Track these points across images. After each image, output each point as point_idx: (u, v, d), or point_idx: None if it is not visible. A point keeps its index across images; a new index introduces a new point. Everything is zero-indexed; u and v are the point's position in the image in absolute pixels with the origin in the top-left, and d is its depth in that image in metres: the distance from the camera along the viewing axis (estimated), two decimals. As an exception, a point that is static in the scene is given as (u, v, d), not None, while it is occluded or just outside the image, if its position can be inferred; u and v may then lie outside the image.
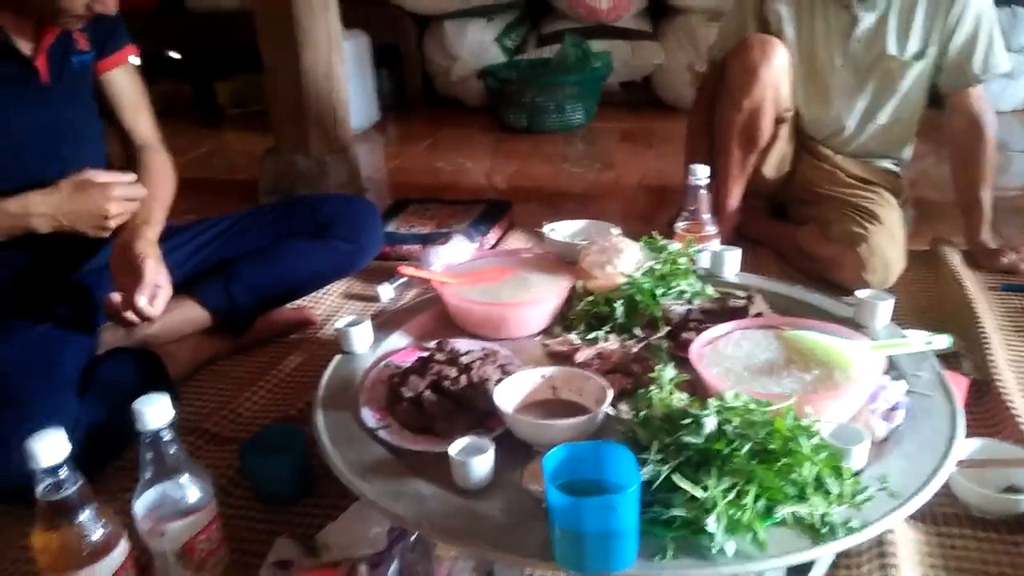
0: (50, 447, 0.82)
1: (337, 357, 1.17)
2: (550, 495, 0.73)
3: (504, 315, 1.22)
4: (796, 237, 1.87)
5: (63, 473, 0.84)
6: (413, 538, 0.98)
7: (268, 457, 1.17)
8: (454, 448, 0.90)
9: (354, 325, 1.19)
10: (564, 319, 1.25)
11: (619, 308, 1.18)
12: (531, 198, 2.50)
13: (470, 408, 1.01)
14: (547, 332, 1.24)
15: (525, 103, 3.26)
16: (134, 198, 1.34)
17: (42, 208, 1.26)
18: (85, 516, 0.86)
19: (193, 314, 1.51)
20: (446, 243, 1.91)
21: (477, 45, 3.55)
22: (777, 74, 1.78)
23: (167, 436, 0.91)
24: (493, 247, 2.08)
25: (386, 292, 1.83)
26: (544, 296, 1.25)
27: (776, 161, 1.93)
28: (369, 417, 1.01)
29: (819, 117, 1.88)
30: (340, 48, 2.46)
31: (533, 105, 3.25)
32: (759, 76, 1.77)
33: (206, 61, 3.99)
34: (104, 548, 0.87)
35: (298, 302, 1.75)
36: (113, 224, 1.32)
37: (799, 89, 1.86)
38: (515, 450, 0.94)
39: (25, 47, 1.31)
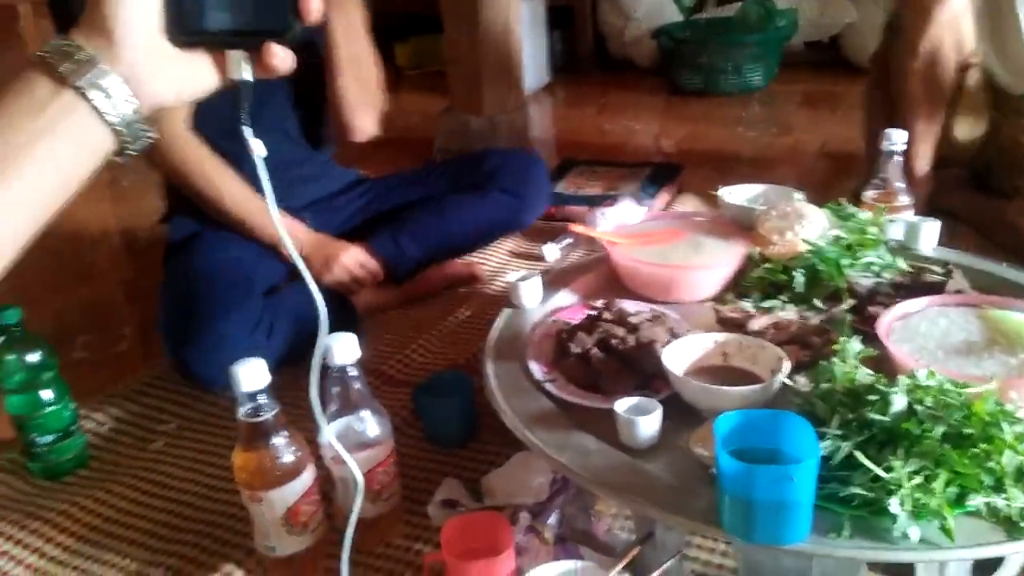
0: (252, 374, 0.90)
1: (506, 310, 1.20)
2: (721, 460, 0.72)
3: (675, 277, 1.20)
4: (1005, 210, 1.70)
5: (261, 399, 0.92)
6: (574, 491, 1.00)
7: (438, 400, 1.23)
8: (621, 406, 0.90)
9: (525, 280, 1.21)
10: (737, 286, 1.21)
11: (799, 277, 1.13)
12: (702, 162, 2.43)
13: (636, 368, 1.00)
14: (718, 299, 1.21)
15: (701, 64, 3.15)
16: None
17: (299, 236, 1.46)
18: (278, 440, 0.93)
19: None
20: (613, 205, 1.90)
21: (653, 4, 3.47)
22: (954, 13, 1.64)
23: (353, 372, 0.98)
24: (663, 210, 2.04)
25: (551, 252, 1.85)
26: (717, 260, 1.21)
27: (968, 121, 1.76)
28: (536, 370, 1.04)
29: (1010, 67, 1.69)
30: (518, 9, 2.48)
31: (709, 66, 3.13)
32: (933, 16, 1.64)
33: (386, 24, 4.13)
34: (294, 471, 0.95)
35: (467, 259, 1.80)
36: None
37: (984, 37, 1.68)
38: (681, 414, 0.93)
39: None
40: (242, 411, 0.92)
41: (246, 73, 0.53)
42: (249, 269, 1.42)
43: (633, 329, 1.05)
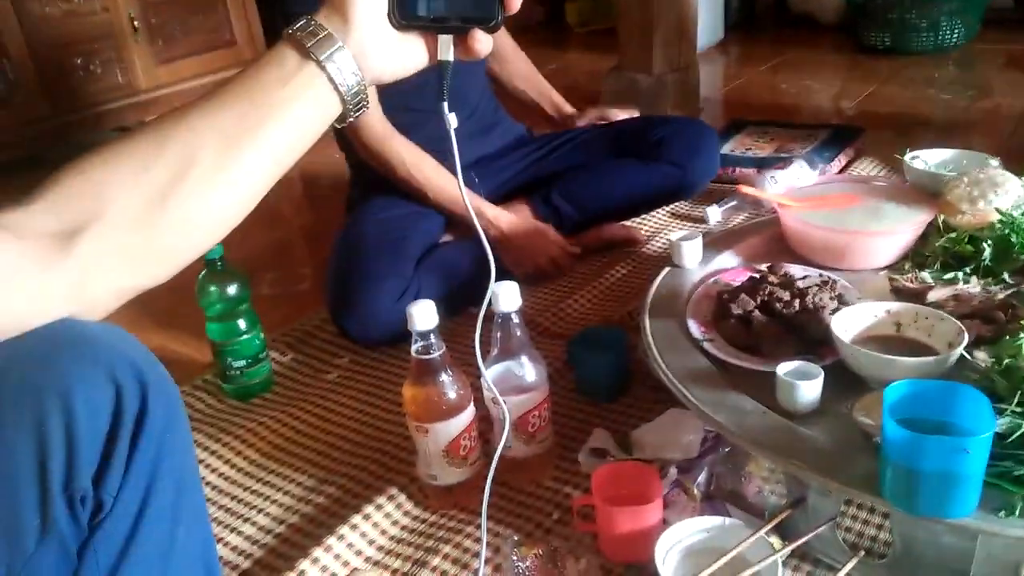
0: (424, 314, 0.96)
1: (666, 269, 1.20)
2: (887, 427, 0.70)
3: (850, 243, 1.15)
4: None
5: (432, 338, 0.98)
6: (725, 450, 1.00)
7: (592, 354, 1.25)
8: (782, 368, 0.89)
9: (687, 240, 1.20)
10: (916, 255, 1.15)
11: (987, 249, 1.05)
12: (885, 126, 2.27)
13: (801, 334, 0.98)
14: (894, 267, 1.15)
15: (891, 20, 2.93)
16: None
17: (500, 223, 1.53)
18: (445, 378, 1.00)
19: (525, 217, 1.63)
20: (784, 168, 1.83)
21: (842, -43, 3.25)
22: None
23: (515, 320, 1.02)
24: (838, 174, 1.94)
25: (714, 214, 1.81)
26: (897, 227, 1.15)
27: None
28: (695, 329, 1.04)
29: None
30: (694, -34, 2.41)
31: (901, 22, 2.91)
32: None
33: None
34: (457, 407, 1.00)
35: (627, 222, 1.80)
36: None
37: None
38: (845, 383, 0.90)
39: None
40: (415, 348, 0.98)
41: (451, 55, 0.60)
42: (409, 228, 1.49)
43: (800, 294, 1.03)
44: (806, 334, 0.98)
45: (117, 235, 0.53)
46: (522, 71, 1.87)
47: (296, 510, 1.08)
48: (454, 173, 0.65)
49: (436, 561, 0.97)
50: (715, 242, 1.28)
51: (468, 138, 1.67)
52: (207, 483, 1.15)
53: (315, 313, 1.57)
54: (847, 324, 0.94)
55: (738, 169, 2.01)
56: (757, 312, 1.01)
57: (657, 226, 1.83)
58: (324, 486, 1.12)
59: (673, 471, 1.00)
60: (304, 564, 0.96)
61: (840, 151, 2.00)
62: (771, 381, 0.90)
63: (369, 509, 1.04)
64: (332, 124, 0.61)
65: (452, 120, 0.63)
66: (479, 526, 0.92)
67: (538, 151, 1.75)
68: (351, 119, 0.61)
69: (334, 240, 1.50)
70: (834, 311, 1.00)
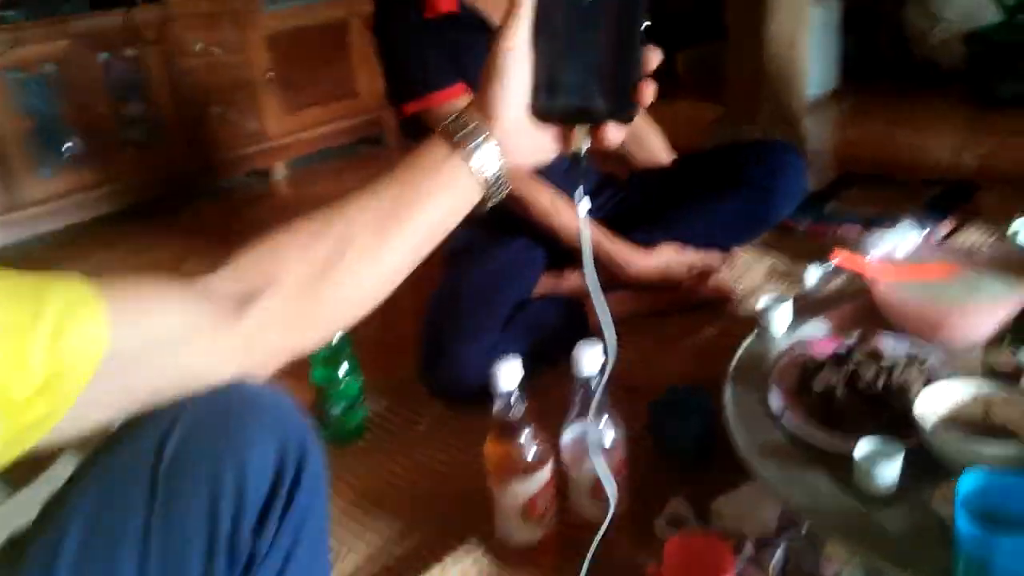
0: (509, 374, 1.00)
1: (753, 333, 1.20)
2: (960, 520, 0.69)
3: (943, 317, 1.12)
4: None
5: (514, 398, 1.02)
6: (804, 529, 0.99)
7: (675, 417, 1.25)
8: (860, 449, 0.88)
9: (775, 305, 1.20)
10: (1016, 332, 1.10)
11: (1096, 331, 1.00)
12: (1005, 182, 2.17)
13: (884, 412, 0.96)
14: (992, 344, 1.10)
15: (1020, 71, 2.79)
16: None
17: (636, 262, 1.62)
18: (525, 436, 1.03)
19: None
20: (891, 228, 1.78)
21: (968, 4, 3.13)
22: None
23: (595, 382, 1.04)
24: (946, 238, 1.87)
25: (812, 275, 1.78)
26: (995, 302, 1.11)
27: None
28: (776, 400, 1.03)
29: None
30: (807, 17, 2.39)
31: (1030, 72, 2.77)
32: None
33: (672, 31, 4.15)
34: (536, 466, 1.04)
35: (721, 276, 1.79)
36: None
37: None
38: (927, 467, 0.88)
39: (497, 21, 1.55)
40: (497, 406, 1.03)
41: (586, 144, 0.65)
42: (501, 284, 1.54)
43: (886, 371, 1.01)
44: (890, 413, 0.96)
45: (284, 302, 0.59)
46: (658, 159, 1.89)
47: (376, 559, 1.13)
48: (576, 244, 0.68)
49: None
50: (806, 308, 1.27)
51: (571, 181, 1.71)
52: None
53: (411, 361, 1.64)
54: (932, 404, 0.92)
55: (842, 228, 1.97)
56: (840, 388, 1.00)
57: (753, 284, 1.81)
58: (404, 539, 1.17)
59: (749, 547, 0.99)
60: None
61: (951, 210, 1.93)
62: (850, 460, 0.89)
63: (447, 561, 1.08)
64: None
65: (585, 204, 0.67)
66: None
67: (622, 190, 1.79)
68: (492, 203, 0.66)
69: (430, 295, 1.57)
70: (922, 390, 0.97)
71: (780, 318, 1.19)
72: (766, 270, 1.87)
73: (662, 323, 1.69)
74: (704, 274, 1.72)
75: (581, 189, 0.66)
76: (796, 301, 1.24)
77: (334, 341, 1.37)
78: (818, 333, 1.21)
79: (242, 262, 0.60)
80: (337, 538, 1.18)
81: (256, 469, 0.58)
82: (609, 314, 0.68)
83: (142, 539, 0.56)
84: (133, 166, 2.74)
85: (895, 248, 1.70)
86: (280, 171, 3.20)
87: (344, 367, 1.39)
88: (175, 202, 2.90)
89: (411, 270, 0.66)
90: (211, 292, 0.58)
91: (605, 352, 0.73)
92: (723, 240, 1.75)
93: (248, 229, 0.62)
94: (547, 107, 0.63)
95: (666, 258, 1.66)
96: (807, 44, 2.41)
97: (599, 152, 0.65)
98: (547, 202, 1.57)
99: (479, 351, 1.39)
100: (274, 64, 3.02)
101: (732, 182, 1.67)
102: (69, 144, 2.59)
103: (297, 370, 1.47)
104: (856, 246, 1.75)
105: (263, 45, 2.97)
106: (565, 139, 0.66)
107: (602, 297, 0.68)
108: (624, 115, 0.62)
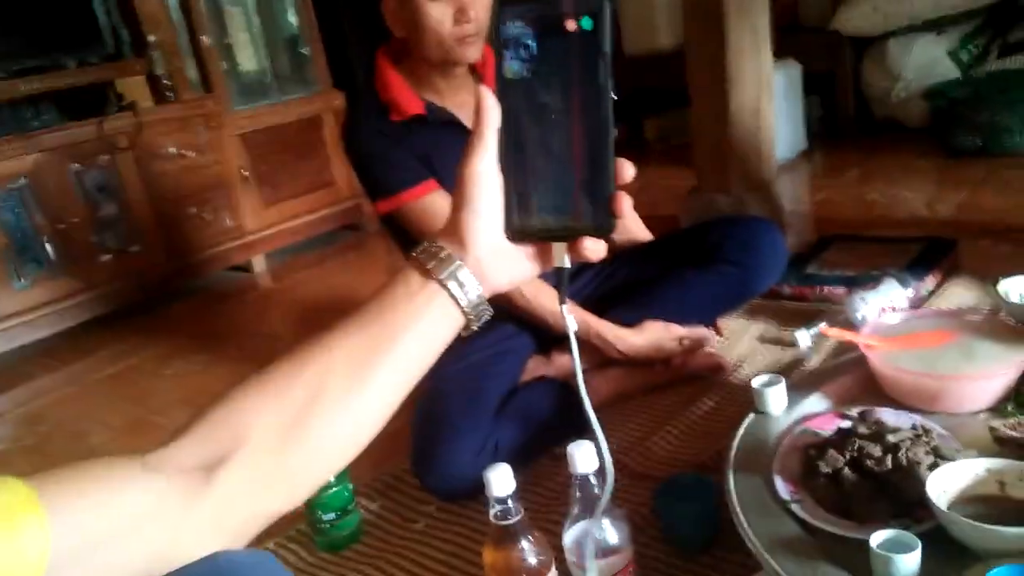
0: (501, 480, 0.97)
1: (750, 416, 1.17)
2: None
3: (942, 388, 1.10)
4: None
5: (510, 503, 0.98)
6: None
7: (679, 504, 1.22)
8: (876, 539, 0.84)
9: (769, 386, 1.18)
10: (1019, 397, 1.08)
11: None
12: (982, 234, 2.19)
13: (895, 494, 0.93)
14: (995, 410, 1.09)
15: (980, 123, 2.87)
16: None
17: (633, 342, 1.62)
18: (525, 543, 0.99)
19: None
20: (875, 288, 1.78)
21: (925, 62, 3.23)
22: None
23: (594, 480, 1.01)
24: (930, 294, 1.87)
25: (804, 339, 1.76)
26: (993, 368, 1.09)
27: None
28: (782, 488, 1.00)
29: None
30: (771, 86, 2.44)
31: (992, 125, 2.84)
32: None
33: (639, 100, 4.25)
34: (538, 573, 0.99)
35: (711, 348, 1.78)
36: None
37: None
38: (948, 549, 0.84)
39: (465, 117, 1.56)
40: (492, 512, 0.99)
41: (566, 261, 0.62)
42: (488, 375, 1.51)
43: (892, 448, 0.98)
44: (901, 495, 0.93)
45: (256, 461, 0.55)
46: (637, 238, 1.89)
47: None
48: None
49: None
50: (803, 383, 1.25)
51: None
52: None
53: (404, 457, 1.59)
54: (944, 484, 0.89)
55: (826, 289, 1.97)
56: (847, 470, 0.97)
57: (744, 352, 1.80)
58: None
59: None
60: None
61: (933, 266, 1.93)
62: (866, 547, 0.85)
63: None
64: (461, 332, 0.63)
65: (572, 323, 0.64)
66: None
67: (607, 267, 1.79)
68: (474, 328, 0.64)
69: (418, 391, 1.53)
70: (931, 466, 0.95)
71: (775, 399, 1.17)
72: (756, 337, 1.85)
73: (658, 399, 1.66)
74: (694, 347, 1.70)
75: (565, 308, 0.64)
76: (789, 375, 1.22)
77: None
78: (817, 409, 1.18)
79: (203, 425, 0.56)
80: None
81: None
82: (603, 435, 0.64)
83: None
84: (111, 271, 2.72)
85: (881, 308, 1.71)
86: (260, 264, 3.19)
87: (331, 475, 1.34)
88: (155, 304, 2.87)
89: (395, 409, 0.62)
90: (170, 465, 0.54)
91: (601, 466, 0.69)
92: (707, 315, 1.75)
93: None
94: (521, 228, 0.61)
95: (655, 335, 1.64)
96: (772, 110, 2.45)
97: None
98: (529, 291, 1.55)
99: (470, 448, 1.36)
100: (248, 161, 3.05)
101: (711, 261, 1.68)
102: (44, 255, 2.57)
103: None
104: (843, 306, 1.75)
105: (236, 144, 3.00)
106: (543, 256, 0.63)
107: (595, 417, 0.64)
108: (602, 229, 0.60)
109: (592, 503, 1.01)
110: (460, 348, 1.54)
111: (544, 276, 0.65)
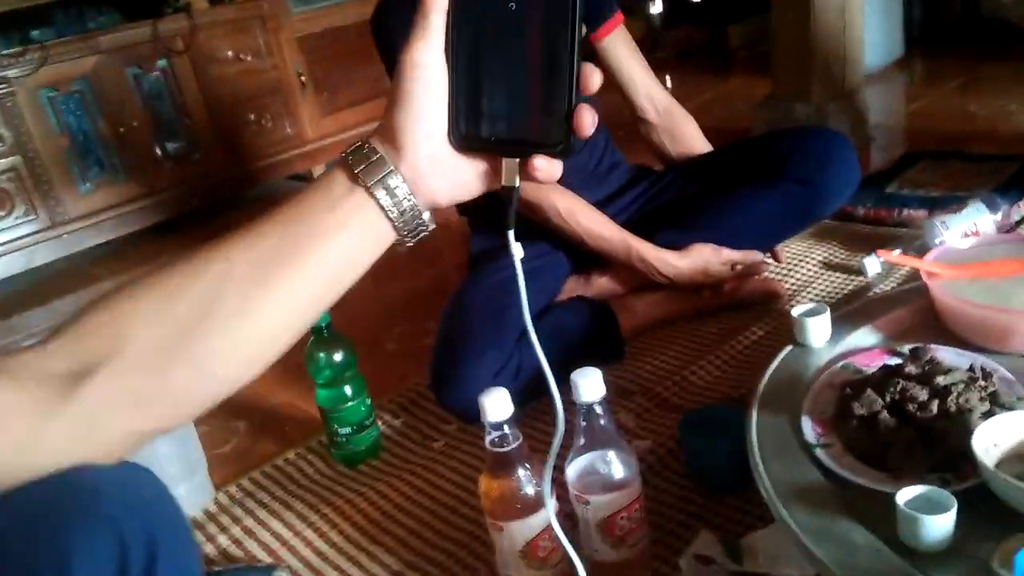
0: (497, 404, 0.90)
1: (787, 349, 1.06)
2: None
3: (1012, 325, 0.95)
4: None
5: (506, 429, 0.91)
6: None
7: (705, 437, 1.13)
8: (904, 496, 0.74)
9: (812, 315, 1.05)
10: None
11: None
12: (1097, 154, 1.94)
13: (938, 444, 0.82)
14: (1075, 355, 0.94)
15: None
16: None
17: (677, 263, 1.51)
18: (521, 472, 0.92)
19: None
20: (959, 211, 1.60)
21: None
22: None
23: (599, 410, 0.93)
24: (1022, 220, 1.67)
25: (873, 266, 1.61)
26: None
27: None
28: (809, 430, 0.89)
29: None
30: (861, -20, 2.20)
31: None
32: None
33: (722, 4, 3.96)
34: (535, 505, 0.93)
35: (769, 272, 1.64)
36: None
37: None
38: (989, 514, 0.73)
39: None
40: (488, 439, 0.92)
41: (517, 180, 0.54)
42: (517, 292, 1.43)
43: (941, 392, 0.86)
44: (945, 445, 0.81)
45: (130, 376, 0.50)
46: (694, 150, 1.72)
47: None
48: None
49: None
50: (853, 313, 1.12)
51: (596, 179, 1.62)
52: (301, 559, 1.15)
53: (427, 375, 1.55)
54: (996, 436, 0.77)
55: (906, 211, 1.79)
56: (885, 414, 0.86)
57: (805, 279, 1.66)
58: (407, 572, 1.08)
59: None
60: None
61: (1031, 189, 1.72)
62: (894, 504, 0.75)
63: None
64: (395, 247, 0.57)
65: (518, 251, 0.57)
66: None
67: (656, 183, 1.66)
68: (408, 244, 0.57)
69: (453, 296, 1.47)
70: (984, 414, 0.82)
71: (818, 330, 1.05)
72: (819, 262, 1.70)
73: (702, 327, 1.55)
74: (746, 272, 1.57)
75: (511, 234, 0.55)
76: (836, 308, 1.09)
77: (337, 359, 1.28)
78: (865, 343, 1.06)
79: (76, 330, 0.49)
80: (341, 571, 1.11)
81: (85, 571, 0.47)
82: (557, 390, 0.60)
83: None
84: (171, 177, 2.74)
85: (964, 234, 1.53)
86: (320, 173, 3.16)
87: (348, 389, 1.30)
88: (217, 211, 2.89)
89: (309, 325, 0.55)
90: (30, 370, 0.48)
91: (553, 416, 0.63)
92: (764, 240, 1.60)
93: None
94: (467, 136, 0.53)
95: (703, 258, 1.52)
96: (861, 10, 2.20)
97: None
98: (563, 206, 1.45)
99: (489, 368, 1.29)
100: (307, 67, 2.98)
101: (773, 177, 1.52)
102: (107, 159, 2.60)
103: (305, 389, 1.42)
104: (921, 231, 1.58)
105: (294, 48, 2.93)
106: (493, 172, 0.55)
107: (547, 364, 0.61)
108: (558, 147, 0.51)
109: (597, 433, 0.93)
110: (487, 265, 1.49)
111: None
